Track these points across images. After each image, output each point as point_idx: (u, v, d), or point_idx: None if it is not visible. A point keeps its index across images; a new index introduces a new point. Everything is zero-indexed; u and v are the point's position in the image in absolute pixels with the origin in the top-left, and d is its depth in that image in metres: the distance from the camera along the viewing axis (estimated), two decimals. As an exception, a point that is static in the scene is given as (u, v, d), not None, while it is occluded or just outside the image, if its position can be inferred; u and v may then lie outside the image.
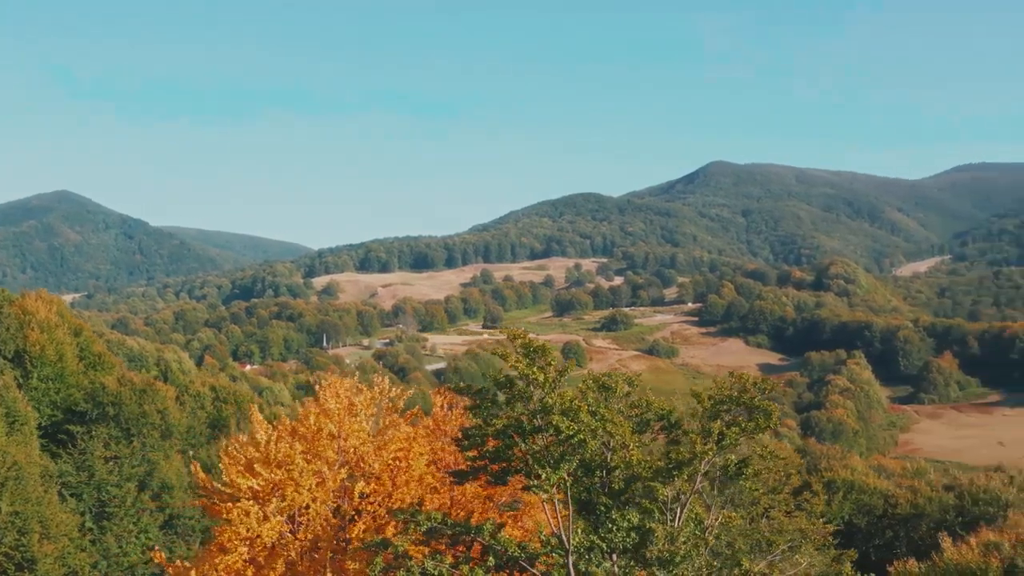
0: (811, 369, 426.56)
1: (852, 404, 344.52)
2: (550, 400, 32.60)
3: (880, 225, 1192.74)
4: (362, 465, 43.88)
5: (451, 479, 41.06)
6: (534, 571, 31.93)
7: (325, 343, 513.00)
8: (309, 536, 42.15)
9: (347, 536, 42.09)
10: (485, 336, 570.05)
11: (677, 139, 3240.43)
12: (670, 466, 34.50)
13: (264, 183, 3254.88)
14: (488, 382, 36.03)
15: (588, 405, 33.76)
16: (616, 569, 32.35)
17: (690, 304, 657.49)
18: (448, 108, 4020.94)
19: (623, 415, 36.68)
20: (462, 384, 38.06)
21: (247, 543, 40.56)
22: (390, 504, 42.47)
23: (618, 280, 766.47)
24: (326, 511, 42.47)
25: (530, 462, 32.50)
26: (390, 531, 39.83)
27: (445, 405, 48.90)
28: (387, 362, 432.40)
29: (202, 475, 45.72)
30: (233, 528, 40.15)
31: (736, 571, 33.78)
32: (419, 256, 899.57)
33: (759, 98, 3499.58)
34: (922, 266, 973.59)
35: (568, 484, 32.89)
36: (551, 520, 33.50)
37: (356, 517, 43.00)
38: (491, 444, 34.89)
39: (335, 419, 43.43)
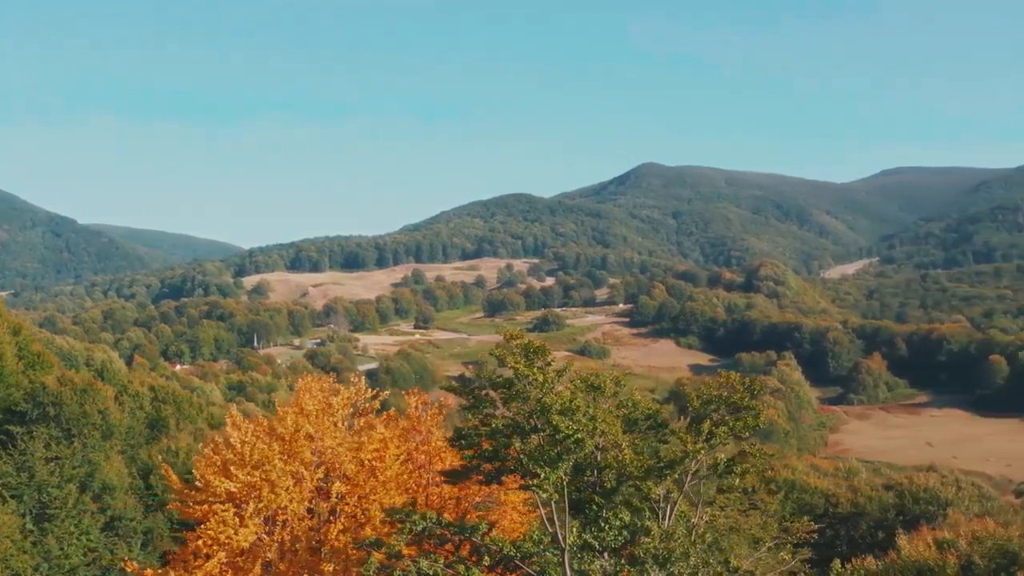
0: (742, 370, 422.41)
1: (783, 405, 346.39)
2: (548, 400, 32.56)
3: (809, 227, 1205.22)
4: (337, 466, 43.53)
5: (443, 479, 40.85)
6: (529, 570, 31.81)
7: (256, 343, 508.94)
8: (286, 537, 41.72)
9: (322, 537, 41.73)
10: (417, 336, 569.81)
11: (609, 141, 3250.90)
12: (661, 465, 34.63)
13: (193, 181, 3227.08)
14: (483, 381, 35.92)
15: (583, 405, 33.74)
16: (607, 567, 32.33)
17: (621, 305, 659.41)
18: (378, 108, 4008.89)
19: (612, 415, 36.73)
20: (455, 384, 37.82)
21: (225, 547, 40.05)
22: (366, 505, 42.18)
23: (549, 281, 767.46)
24: (303, 512, 42.10)
25: (525, 461, 32.42)
26: (368, 531, 39.57)
27: (419, 405, 48.67)
28: (319, 362, 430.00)
29: (174, 478, 45.16)
30: (211, 532, 39.63)
31: (724, 568, 33.90)
32: (350, 256, 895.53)
33: (689, 100, 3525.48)
34: (850, 268, 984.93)
35: (565, 483, 32.85)
36: (546, 519, 33.40)
37: (332, 518, 42.66)
38: (485, 444, 34.79)
39: (313, 420, 43.06)
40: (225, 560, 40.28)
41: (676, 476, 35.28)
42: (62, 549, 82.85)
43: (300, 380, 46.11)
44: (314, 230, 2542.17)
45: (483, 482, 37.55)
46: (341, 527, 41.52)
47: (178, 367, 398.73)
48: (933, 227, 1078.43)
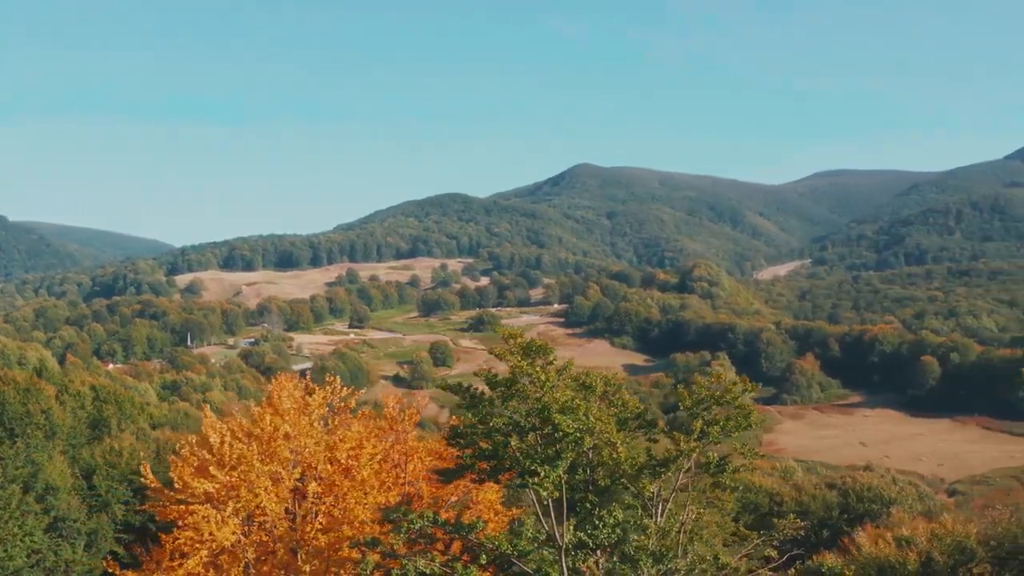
0: (676, 370, 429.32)
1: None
2: (548, 398, 32.58)
3: (742, 229, 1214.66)
4: (314, 465, 43.26)
5: (437, 478, 40.71)
6: (526, 568, 31.77)
7: (190, 342, 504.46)
8: (264, 537, 41.41)
9: (300, 536, 41.45)
10: (352, 336, 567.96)
11: (544, 141, 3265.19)
12: (654, 463, 34.79)
13: (125, 180, 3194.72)
14: (481, 381, 35.90)
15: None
16: (600, 565, 32.38)
17: (556, 305, 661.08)
18: (311, 109, 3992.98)
19: (605, 413, 36.81)
20: (452, 383, 37.61)
21: (208, 544, 39.68)
22: (344, 504, 41.95)
23: (484, 281, 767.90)
24: (282, 512, 41.80)
25: (522, 460, 32.39)
26: (347, 531, 39.36)
27: (396, 405, 48.49)
28: (253, 361, 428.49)
29: (151, 477, 44.66)
30: (189, 532, 39.25)
31: (714, 565, 34.07)
32: (284, 255, 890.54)
33: (624, 101, 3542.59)
34: (782, 269, 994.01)
35: (563, 482, 32.88)
36: (542, 517, 33.38)
37: (310, 518, 42.40)
38: (482, 443, 34.75)
39: (290, 420, 42.76)
40: (206, 558, 39.94)
41: (670, 474, 35.45)
42: (5, 551, 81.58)
43: (274, 380, 45.86)
44: (248, 229, 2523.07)
45: (477, 481, 37.52)
46: (320, 526, 41.26)
47: (111, 366, 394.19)
48: (865, 229, 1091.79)
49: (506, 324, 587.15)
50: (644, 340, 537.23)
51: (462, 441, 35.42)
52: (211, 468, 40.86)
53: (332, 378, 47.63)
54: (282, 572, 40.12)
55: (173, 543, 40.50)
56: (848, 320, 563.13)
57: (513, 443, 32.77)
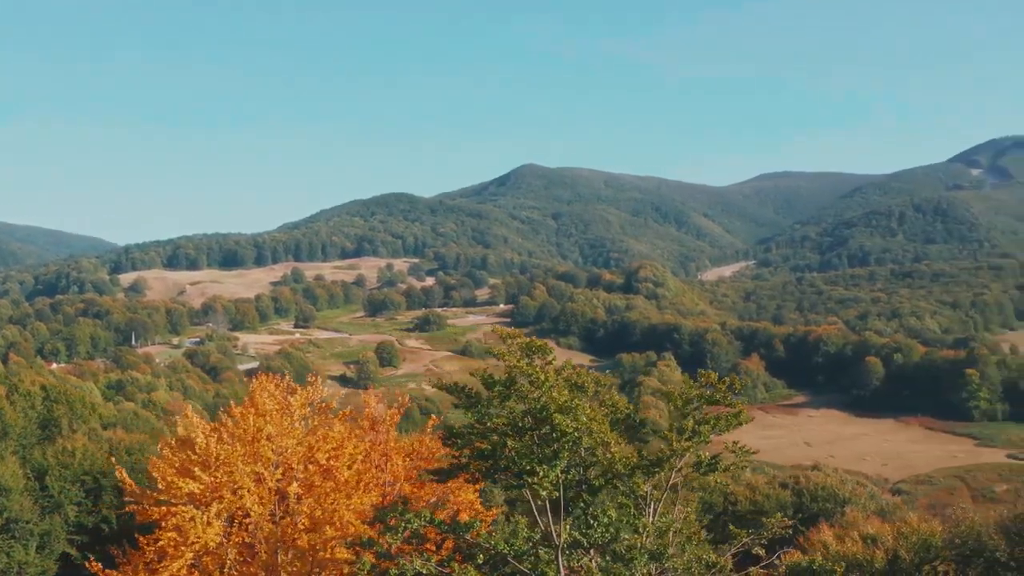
0: (623, 370, 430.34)
1: (664, 405, 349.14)
2: (547, 398, 32.67)
3: (687, 230, 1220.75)
4: (294, 466, 43.08)
5: (432, 478, 40.68)
6: (523, 568, 31.81)
7: (134, 341, 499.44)
8: (247, 539, 41.19)
9: (282, 537, 41.24)
10: (297, 336, 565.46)
11: (490, 141, 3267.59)
12: (646, 463, 34.99)
13: (67, 177, 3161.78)
14: (477, 381, 35.95)
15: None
16: (594, 564, 32.49)
17: (502, 305, 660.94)
18: (256, 107, 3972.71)
19: (599, 413, 36.96)
20: (448, 383, 37.57)
21: (193, 546, 39.39)
22: (326, 504, 41.78)
23: (430, 280, 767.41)
24: (267, 513, 41.58)
25: (518, 460, 32.48)
26: (329, 532, 39.22)
27: (377, 404, 48.35)
28: (198, 361, 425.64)
29: (130, 481, 44.29)
30: (179, 534, 38.95)
31: (703, 565, 34.27)
32: (228, 254, 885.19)
33: (570, 101, 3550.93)
34: (727, 270, 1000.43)
35: (562, 482, 32.99)
36: (539, 517, 33.47)
37: (291, 518, 42.22)
38: (479, 444, 34.81)
39: (274, 420, 42.55)
40: (191, 560, 39.67)
41: (663, 473, 35.69)
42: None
43: (255, 380, 45.61)
44: (192, 227, 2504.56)
45: (472, 481, 37.60)
46: (303, 527, 41.08)
47: (54, 366, 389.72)
48: (809, 231, 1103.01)
49: (452, 324, 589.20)
50: (590, 340, 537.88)
51: (460, 441, 35.46)
52: (196, 469, 40.54)
53: (313, 378, 47.52)
54: (264, 574, 39.87)
55: (155, 544, 40.10)
56: (792, 321, 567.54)
57: (511, 443, 32.88)
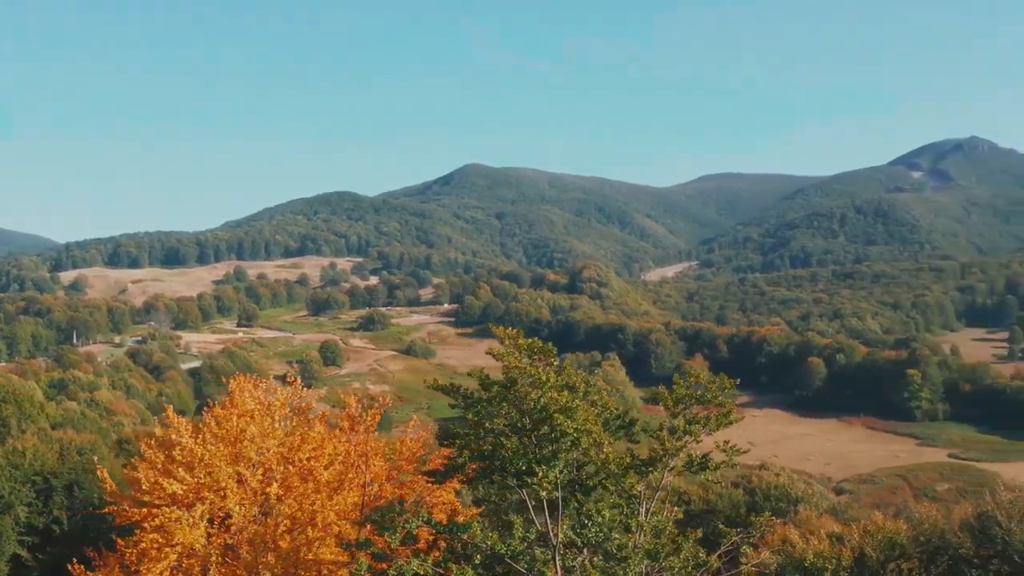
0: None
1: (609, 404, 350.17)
2: (546, 399, 32.66)
3: (630, 230, 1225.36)
4: (274, 467, 42.78)
5: (428, 479, 40.50)
6: (520, 568, 31.74)
7: (75, 340, 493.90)
8: (229, 540, 40.85)
9: (265, 539, 40.91)
10: (241, 335, 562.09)
11: (434, 141, 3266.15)
12: (639, 463, 35.10)
13: (7, 174, 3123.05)
14: (480, 380, 35.93)
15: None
16: (593, 564, 32.49)
17: (446, 305, 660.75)
18: (200, 105, 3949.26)
19: (592, 413, 37.02)
20: (443, 383, 37.45)
21: (177, 548, 38.97)
22: (307, 505, 41.52)
23: (374, 280, 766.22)
24: (251, 513, 41.26)
25: (516, 460, 32.47)
26: (311, 532, 38.99)
27: (357, 405, 48.04)
28: (141, 360, 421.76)
29: (110, 481, 43.79)
30: (163, 535, 38.51)
31: (695, 564, 34.40)
32: (170, 252, 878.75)
33: (513, 102, 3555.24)
34: (670, 271, 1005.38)
35: (560, 482, 32.98)
36: (535, 517, 33.42)
37: (271, 519, 41.91)
38: (476, 445, 34.76)
39: (257, 420, 42.23)
40: (175, 562, 39.28)
41: (656, 473, 35.81)
42: (-91, 553, 79.94)
43: (233, 380, 45.26)
44: (134, 225, 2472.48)
45: (466, 481, 37.54)
46: (284, 527, 40.78)
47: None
48: (751, 232, 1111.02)
49: (397, 324, 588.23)
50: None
51: (459, 442, 35.36)
52: (180, 470, 40.13)
53: (293, 379, 47.28)
54: (246, 575, 39.53)
55: (136, 546, 39.62)
56: (735, 321, 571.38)
57: (509, 444, 32.87)
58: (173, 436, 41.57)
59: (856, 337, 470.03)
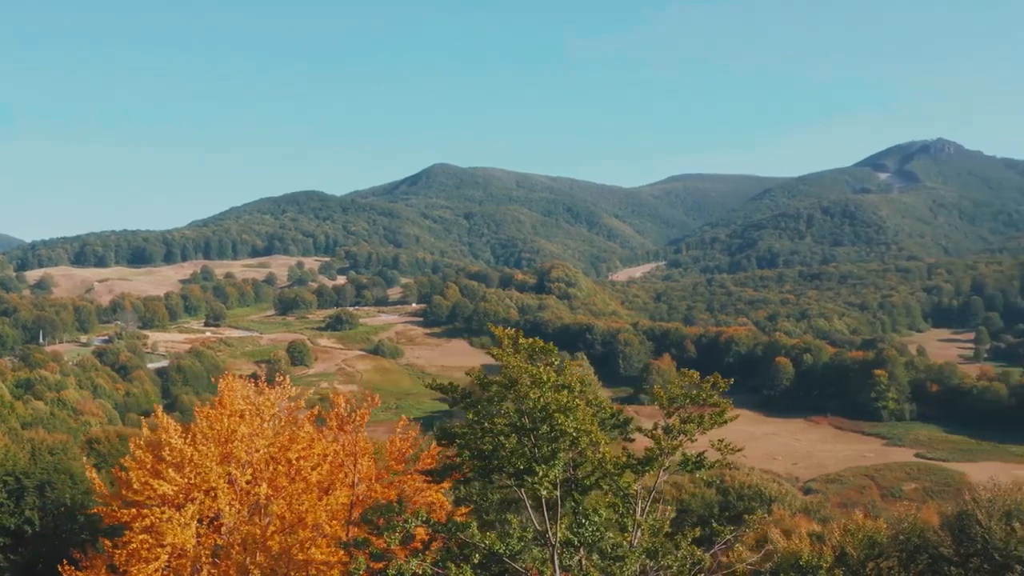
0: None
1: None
2: (547, 398, 32.67)
3: (598, 231, 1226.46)
4: (263, 467, 42.63)
5: (427, 479, 40.42)
6: (518, 567, 31.74)
7: (41, 339, 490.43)
8: (219, 540, 40.67)
9: (252, 538, 40.70)
10: (208, 334, 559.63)
11: (402, 140, 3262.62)
12: (635, 462, 35.15)
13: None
14: (479, 380, 35.87)
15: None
16: (585, 563, 32.54)
17: (414, 305, 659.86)
18: (167, 104, 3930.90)
19: (588, 412, 37.04)
20: (440, 383, 37.38)
21: (168, 548, 38.75)
22: (296, 505, 41.34)
23: (341, 279, 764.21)
24: (244, 513, 41.10)
25: (515, 460, 32.47)
26: (302, 533, 38.86)
27: (347, 405, 47.86)
28: (108, 360, 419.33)
29: (99, 482, 43.52)
30: (154, 535, 38.28)
31: (686, 562, 34.49)
32: (137, 251, 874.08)
33: (482, 101, 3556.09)
34: (638, 271, 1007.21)
35: (559, 481, 33.00)
36: (534, 516, 33.42)
37: (260, 519, 41.76)
38: (476, 444, 34.72)
39: (247, 420, 42.05)
40: (165, 562, 39.06)
41: (652, 472, 35.90)
42: None
43: (222, 381, 45.04)
44: (100, 224, 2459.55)
45: (463, 481, 37.54)
46: (274, 527, 40.59)
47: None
48: (719, 232, 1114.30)
49: (365, 323, 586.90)
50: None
51: (459, 441, 35.30)
52: (170, 470, 39.91)
53: (282, 378, 47.11)
54: (242, 572, 39.35)
55: (126, 547, 39.35)
56: (703, 322, 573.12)
57: (509, 443, 32.87)
58: (163, 437, 41.39)
59: (823, 337, 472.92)
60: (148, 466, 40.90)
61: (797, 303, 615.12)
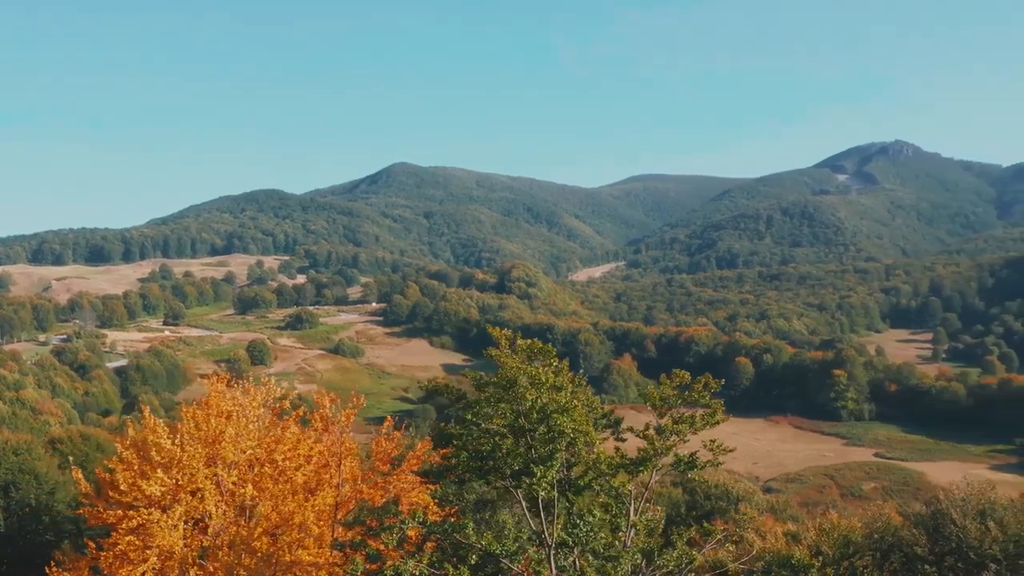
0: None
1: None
2: (546, 399, 32.74)
3: (558, 231, 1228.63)
4: (247, 469, 42.48)
5: (422, 480, 40.39)
6: (515, 568, 31.79)
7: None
8: (206, 542, 40.48)
9: (239, 540, 40.53)
10: (167, 333, 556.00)
11: (362, 139, 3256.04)
12: (628, 462, 35.27)
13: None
14: (475, 381, 35.89)
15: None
16: (579, 563, 32.64)
17: (375, 304, 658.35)
18: (125, 102, 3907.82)
19: (582, 413, 37.11)
20: (439, 383, 37.36)
21: (156, 550, 38.50)
22: (281, 507, 41.21)
23: (301, 278, 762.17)
24: (231, 514, 40.94)
25: (511, 461, 32.52)
26: (289, 534, 38.74)
27: (331, 405, 47.68)
28: (67, 359, 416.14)
29: (84, 483, 43.22)
30: (141, 537, 38.03)
31: (681, 561, 34.63)
32: (95, 249, 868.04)
33: (442, 100, 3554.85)
34: (597, 271, 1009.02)
35: (556, 482, 33.06)
36: (530, 517, 33.48)
37: (245, 520, 41.61)
38: (474, 445, 34.76)
39: (234, 422, 41.89)
40: (155, 563, 38.81)
41: (645, 472, 36.05)
42: None
43: (208, 382, 44.81)
44: (57, 222, 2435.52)
45: (458, 482, 37.53)
46: (261, 528, 40.42)
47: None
48: (678, 233, 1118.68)
49: (325, 323, 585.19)
50: (463, 340, 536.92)
51: (457, 442, 35.31)
52: (158, 471, 39.68)
53: (267, 379, 46.97)
54: (229, 573, 39.18)
55: (113, 548, 39.10)
56: (663, 322, 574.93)
57: (507, 444, 32.92)
58: (150, 437, 41.14)
59: (782, 338, 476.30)
60: (135, 467, 40.62)
61: (757, 303, 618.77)
